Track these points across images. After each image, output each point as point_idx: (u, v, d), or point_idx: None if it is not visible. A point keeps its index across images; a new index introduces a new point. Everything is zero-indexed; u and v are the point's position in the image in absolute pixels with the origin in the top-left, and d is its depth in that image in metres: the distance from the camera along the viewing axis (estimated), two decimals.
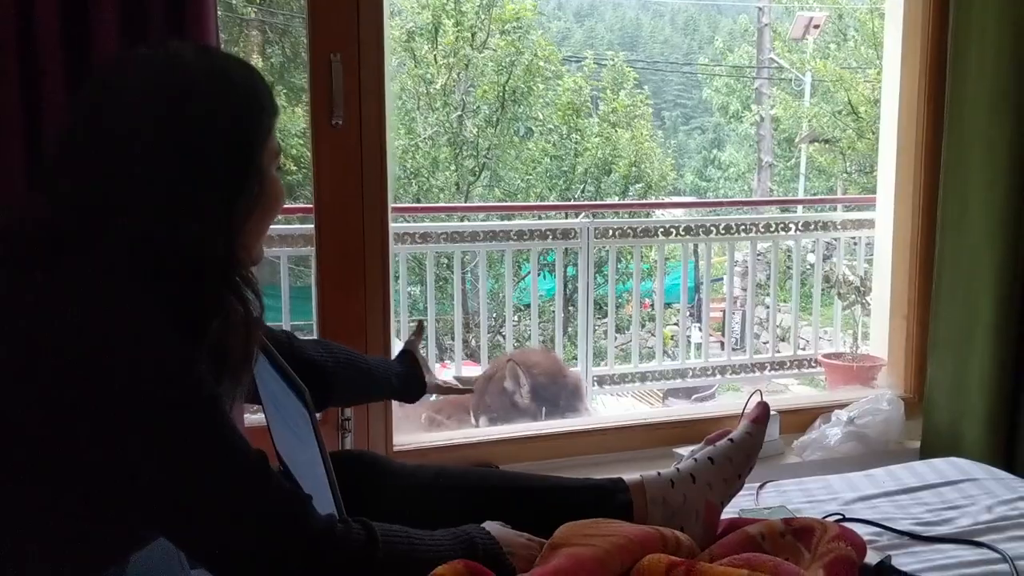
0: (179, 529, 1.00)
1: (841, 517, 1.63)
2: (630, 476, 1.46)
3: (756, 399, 2.29)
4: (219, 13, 1.66)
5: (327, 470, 1.06)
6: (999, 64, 2.17)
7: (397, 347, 1.84)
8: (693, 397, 6.28)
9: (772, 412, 1.63)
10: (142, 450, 0.94)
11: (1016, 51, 2.16)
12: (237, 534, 0.99)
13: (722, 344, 6.65)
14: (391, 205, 2.04)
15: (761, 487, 1.85)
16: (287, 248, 3.82)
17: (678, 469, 1.47)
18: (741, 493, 1.54)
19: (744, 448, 1.48)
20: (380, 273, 1.99)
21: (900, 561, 1.47)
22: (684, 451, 2.22)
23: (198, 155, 1.00)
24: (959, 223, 2.27)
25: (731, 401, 4.18)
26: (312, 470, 1.12)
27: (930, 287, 2.38)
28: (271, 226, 1.16)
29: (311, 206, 1.97)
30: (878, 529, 1.61)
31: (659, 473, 1.46)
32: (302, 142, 7.60)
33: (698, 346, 5.79)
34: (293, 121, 7.90)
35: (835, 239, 4.72)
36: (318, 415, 1.28)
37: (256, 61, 8.87)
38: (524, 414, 3.02)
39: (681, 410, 2.70)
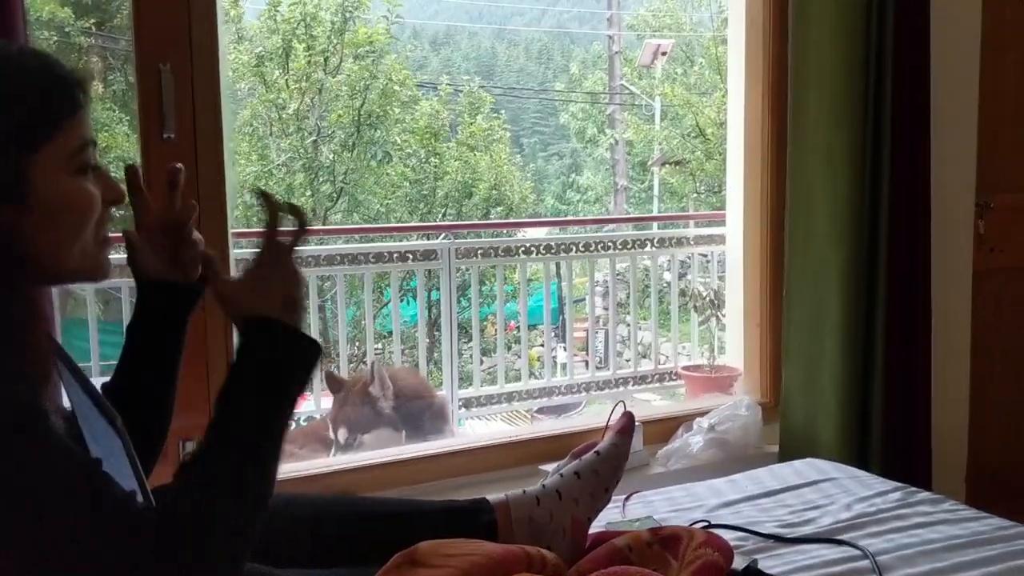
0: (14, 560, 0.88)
1: (707, 524, 1.62)
2: (494, 496, 1.40)
3: (620, 410, 2.29)
4: (54, 39, 1.52)
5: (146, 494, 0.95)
6: (836, 75, 2.26)
7: None
8: (561, 416, 6.32)
9: (636, 423, 1.60)
10: None
11: (850, 63, 2.25)
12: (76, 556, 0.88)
13: (586, 363, 6.72)
14: (232, 230, 1.91)
15: (627, 499, 1.82)
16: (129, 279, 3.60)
17: (543, 486, 1.43)
18: (608, 506, 1.51)
19: (610, 460, 1.45)
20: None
21: (766, 564, 1.47)
22: (550, 467, 2.17)
23: None
24: (805, 230, 2.34)
25: (595, 415, 4.20)
26: None
27: (781, 295, 2.44)
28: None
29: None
30: (743, 534, 1.61)
31: (524, 491, 1.41)
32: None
33: (563, 366, 5.82)
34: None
35: (689, 255, 4.83)
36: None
37: (97, 88, 8.44)
38: (386, 424, 2.93)
39: (546, 426, 2.68)
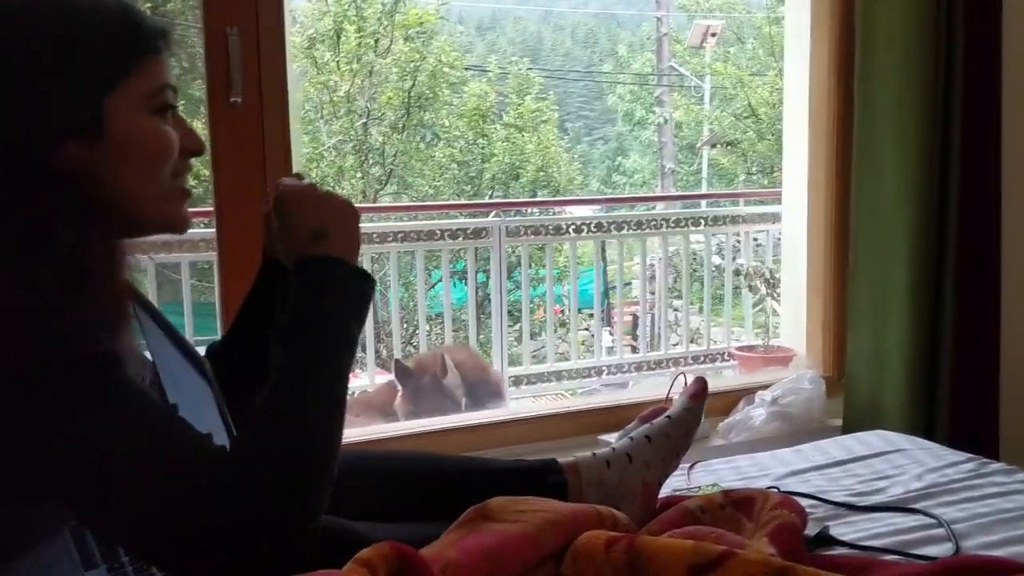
0: (87, 506, 0.89)
1: (776, 491, 1.59)
2: (564, 458, 1.39)
3: (680, 382, 2.27)
4: None
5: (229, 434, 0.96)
6: (906, 38, 2.21)
7: None
8: None
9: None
10: (31, 424, 0.85)
11: (920, 24, 2.20)
12: (153, 502, 0.88)
13: (633, 348, 6.68)
14: None
15: (691, 468, 1.81)
16: (188, 254, 3.66)
17: (613, 449, 1.41)
18: (673, 474, 1.49)
19: (683, 424, 1.43)
20: None
21: (838, 531, 1.45)
22: (608, 437, 2.17)
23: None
24: (872, 197, 2.30)
25: (653, 387, 4.17)
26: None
27: (845, 268, 2.40)
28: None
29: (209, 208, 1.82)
30: (813, 501, 1.58)
31: (594, 454, 1.40)
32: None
33: (609, 349, 5.79)
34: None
35: (742, 235, 4.77)
36: None
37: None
38: (450, 409, 2.94)
39: (604, 398, 2.66)
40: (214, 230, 1.84)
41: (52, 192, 0.93)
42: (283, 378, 0.96)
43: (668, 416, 1.45)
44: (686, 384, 2.29)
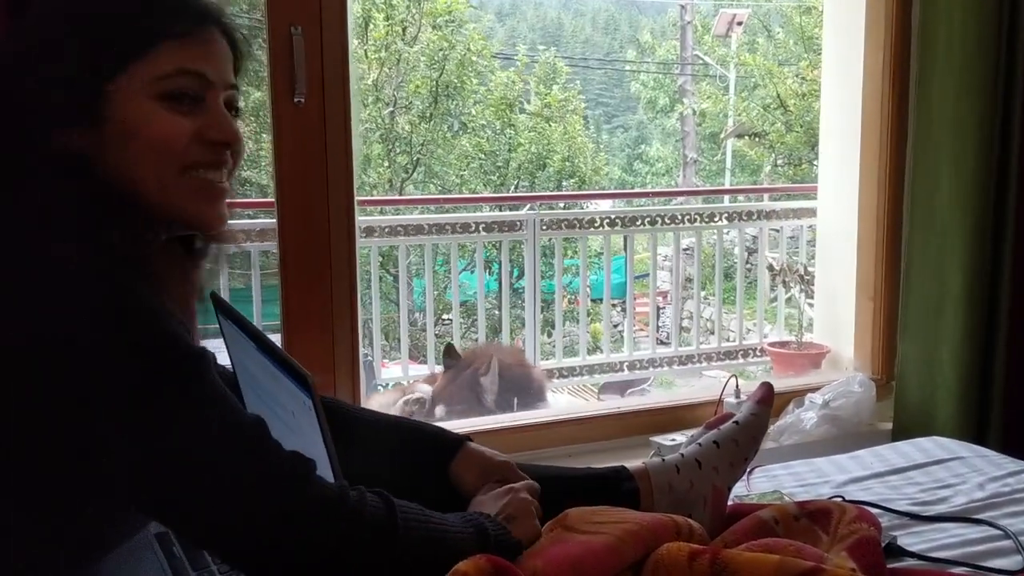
0: (172, 505, 0.90)
1: (841, 499, 1.59)
2: (633, 464, 1.39)
3: (732, 384, 2.27)
4: None
5: (332, 463, 0.96)
6: (966, 44, 2.18)
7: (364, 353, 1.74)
8: (627, 392, 6.25)
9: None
10: (120, 424, 0.84)
11: (981, 25, 2.17)
12: (237, 503, 0.89)
13: (659, 340, 6.66)
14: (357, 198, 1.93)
15: (750, 473, 1.80)
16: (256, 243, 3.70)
17: (682, 455, 1.41)
18: None
19: (751, 430, 1.42)
20: (347, 264, 1.88)
21: (904, 541, 1.44)
22: (661, 439, 2.17)
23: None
24: (928, 202, 2.27)
25: (703, 388, 4.15)
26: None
27: (895, 271, 2.38)
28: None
29: (268, 200, 1.84)
30: (877, 510, 1.57)
31: (663, 460, 1.40)
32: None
33: (636, 342, 5.78)
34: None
35: (767, 229, 4.74)
36: None
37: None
38: (483, 411, 2.95)
39: (656, 398, 2.66)
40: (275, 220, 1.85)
41: (62, 178, 0.91)
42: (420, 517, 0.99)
43: (735, 421, 1.44)
44: (737, 387, 2.31)
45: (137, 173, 0.94)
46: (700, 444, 1.43)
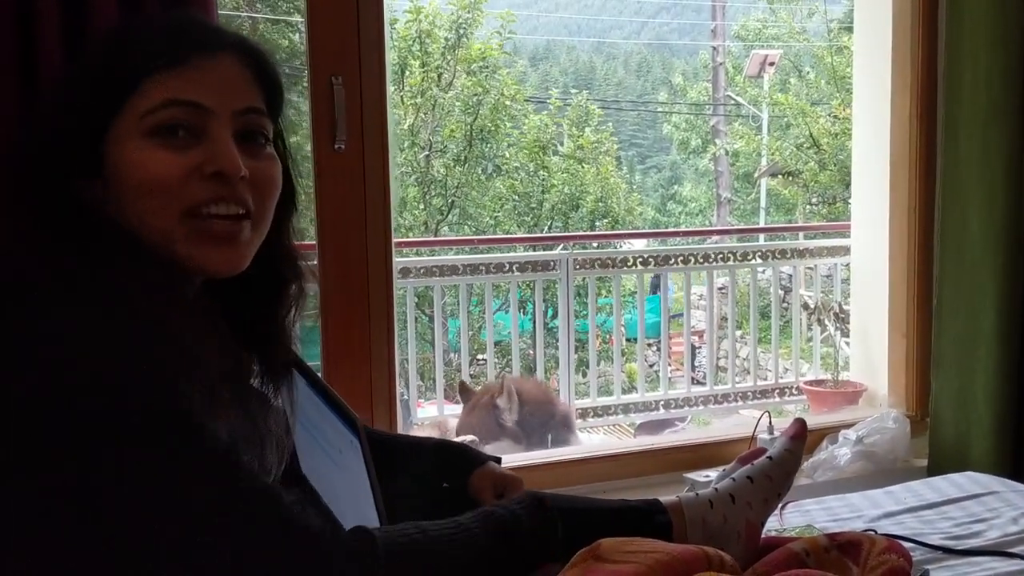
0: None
1: (874, 533, 1.59)
2: (666, 498, 1.41)
3: (765, 420, 2.28)
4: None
5: (376, 499, 1.00)
6: (991, 81, 2.20)
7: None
8: (664, 432, 6.23)
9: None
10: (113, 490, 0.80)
11: (1006, 68, 2.20)
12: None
13: (694, 379, 6.64)
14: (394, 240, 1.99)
15: (782, 508, 1.81)
16: None
17: (716, 489, 1.43)
18: None
19: (784, 465, 1.44)
20: (384, 305, 1.93)
21: (938, 575, 1.45)
22: (695, 475, 2.19)
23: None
24: (958, 239, 2.28)
25: (735, 425, 4.15)
26: (354, 500, 1.06)
27: (929, 305, 2.39)
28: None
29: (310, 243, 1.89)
30: (911, 544, 1.57)
31: (697, 494, 1.42)
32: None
33: (671, 381, 5.78)
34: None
35: (802, 268, 4.75)
36: None
37: None
38: (508, 436, 2.99)
39: (690, 435, 2.67)
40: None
41: (74, 230, 0.88)
42: (440, 541, 0.98)
43: (769, 457, 1.46)
44: (770, 423, 2.33)
45: (143, 220, 0.90)
46: (734, 479, 1.45)
